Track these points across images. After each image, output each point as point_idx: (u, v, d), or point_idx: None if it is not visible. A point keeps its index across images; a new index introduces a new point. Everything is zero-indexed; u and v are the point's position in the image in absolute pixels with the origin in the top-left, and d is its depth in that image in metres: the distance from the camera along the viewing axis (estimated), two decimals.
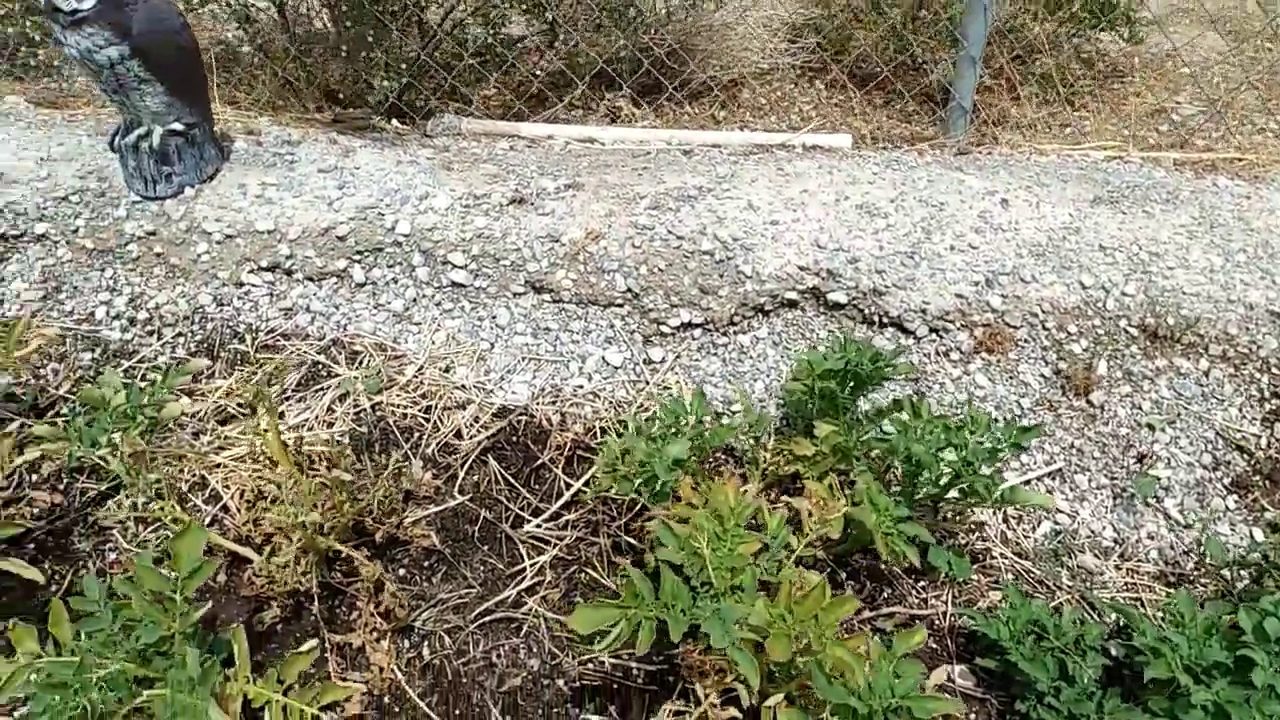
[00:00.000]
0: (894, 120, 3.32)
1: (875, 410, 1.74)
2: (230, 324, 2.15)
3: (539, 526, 1.76)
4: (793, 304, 2.10)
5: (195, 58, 2.25)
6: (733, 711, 1.24)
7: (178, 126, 2.24)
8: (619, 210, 2.24)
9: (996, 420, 1.69)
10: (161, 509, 1.63)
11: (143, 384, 1.90)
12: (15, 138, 2.54)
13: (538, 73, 3.40)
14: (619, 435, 1.90)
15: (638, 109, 3.41)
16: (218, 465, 1.84)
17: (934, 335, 2.04)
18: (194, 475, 1.82)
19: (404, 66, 2.84)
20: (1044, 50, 3.13)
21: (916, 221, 2.13)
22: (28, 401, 2.01)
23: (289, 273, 2.20)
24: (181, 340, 2.13)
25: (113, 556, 1.74)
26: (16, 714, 1.47)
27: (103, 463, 1.85)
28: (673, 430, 1.52)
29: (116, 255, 2.26)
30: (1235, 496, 1.84)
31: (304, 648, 1.38)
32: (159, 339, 2.14)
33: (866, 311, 2.06)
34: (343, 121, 2.89)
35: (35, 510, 1.80)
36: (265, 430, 1.55)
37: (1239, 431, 1.93)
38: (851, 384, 1.72)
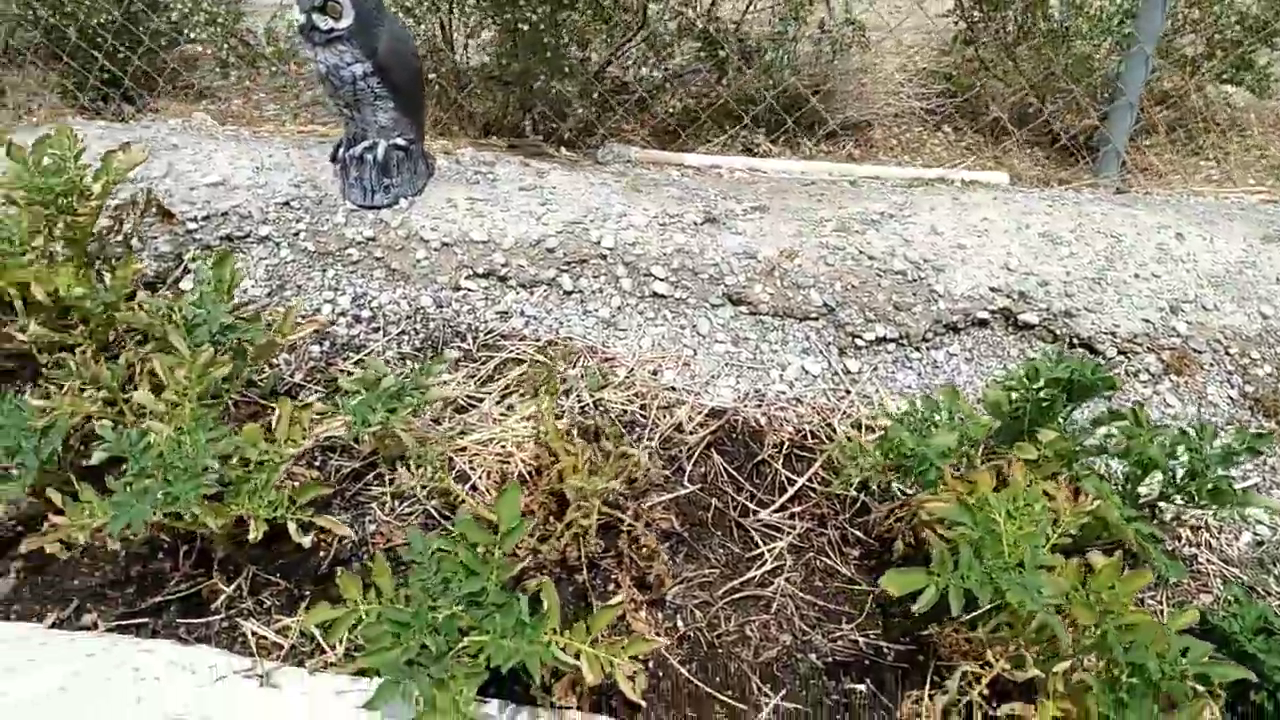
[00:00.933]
0: (1026, 164, 3.47)
1: (1091, 420, 1.84)
2: (451, 324, 2.30)
3: (769, 516, 1.88)
4: (983, 323, 2.22)
5: (421, 79, 2.44)
6: (1034, 672, 1.34)
7: (400, 141, 2.42)
8: (807, 231, 2.39)
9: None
10: (433, 478, 1.78)
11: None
12: (224, 149, 2.74)
13: (672, 109, 3.58)
14: (830, 439, 2.03)
15: (774, 145, 3.58)
16: (463, 449, 1.97)
17: (1122, 357, 2.15)
18: (441, 458, 1.95)
19: (579, 98, 3.02)
20: (1178, 101, 3.28)
21: (1099, 250, 2.26)
22: (266, 388, 2.15)
23: (503, 279, 2.36)
24: (405, 338, 2.28)
25: (373, 528, 1.86)
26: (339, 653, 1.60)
27: (355, 443, 2.00)
28: (929, 424, 1.64)
29: (337, 258, 2.43)
30: None
31: (611, 602, 1.49)
32: (384, 335, 2.29)
33: (1057, 332, 2.18)
34: (517, 148, 3.07)
35: (297, 484, 1.93)
36: (544, 411, 1.68)
37: None
38: (1068, 393, 1.83)
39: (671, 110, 3.58)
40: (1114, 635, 1.29)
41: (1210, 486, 1.62)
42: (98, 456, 1.58)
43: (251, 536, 1.52)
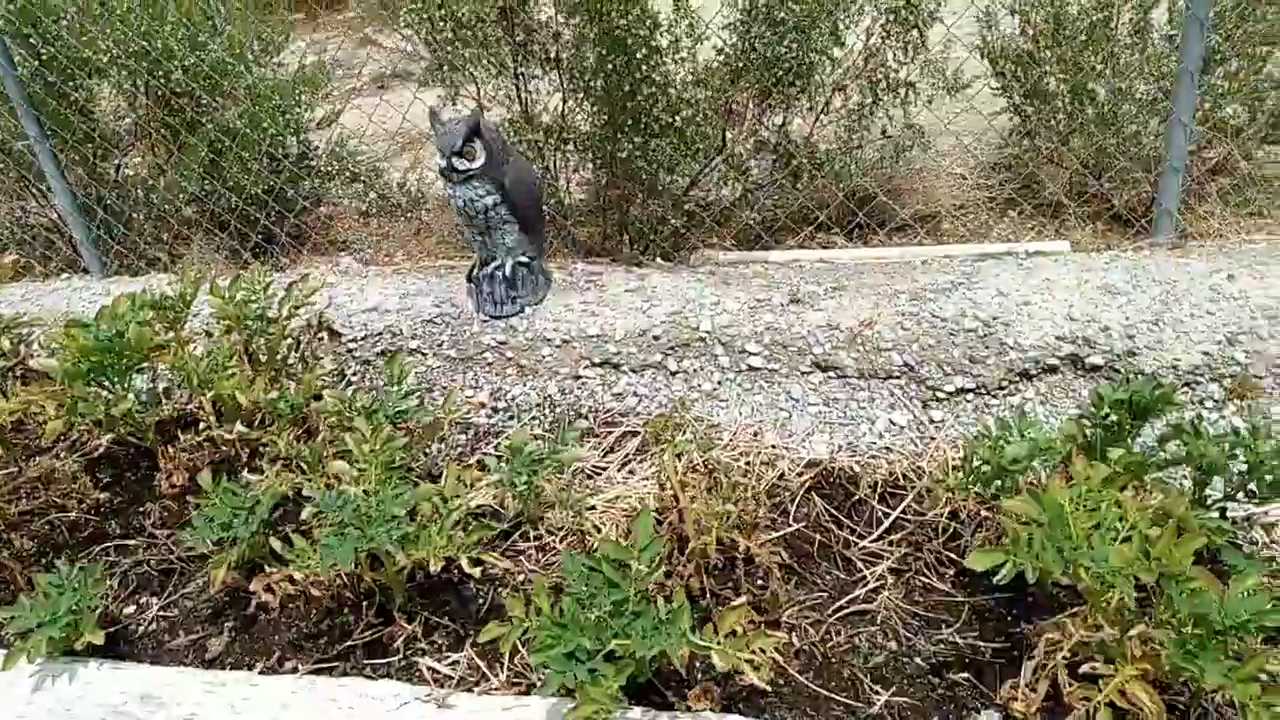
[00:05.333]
0: (1087, 236, 3.70)
1: (1157, 439, 2.03)
2: (574, 407, 2.64)
3: (870, 544, 2.10)
4: (1053, 369, 2.44)
5: (541, 204, 2.87)
6: (1111, 632, 1.52)
7: (524, 259, 2.83)
8: (883, 303, 2.67)
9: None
10: (574, 520, 2.07)
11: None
12: (373, 283, 3.22)
13: (753, 219, 3.97)
14: (920, 479, 2.25)
15: (849, 242, 3.90)
16: (593, 508, 2.27)
17: (1186, 388, 2.33)
18: (579, 504, 2.25)
19: (671, 213, 3.43)
20: (1230, 169, 3.50)
21: (1154, 296, 2.48)
22: (424, 471, 2.50)
23: (616, 367, 2.70)
24: (536, 422, 2.63)
25: (521, 577, 2.16)
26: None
27: (500, 508, 2.31)
28: (1003, 441, 1.87)
29: (475, 361, 2.82)
30: None
31: (735, 603, 1.74)
32: (518, 421, 2.64)
33: (1123, 371, 2.38)
34: (619, 262, 3.48)
35: (464, 531, 2.24)
36: (664, 458, 1.98)
37: None
38: (1133, 414, 2.03)
39: (753, 220, 3.96)
40: (1174, 588, 1.47)
41: (1269, 479, 1.79)
42: (307, 513, 1.94)
43: (432, 569, 1.83)
